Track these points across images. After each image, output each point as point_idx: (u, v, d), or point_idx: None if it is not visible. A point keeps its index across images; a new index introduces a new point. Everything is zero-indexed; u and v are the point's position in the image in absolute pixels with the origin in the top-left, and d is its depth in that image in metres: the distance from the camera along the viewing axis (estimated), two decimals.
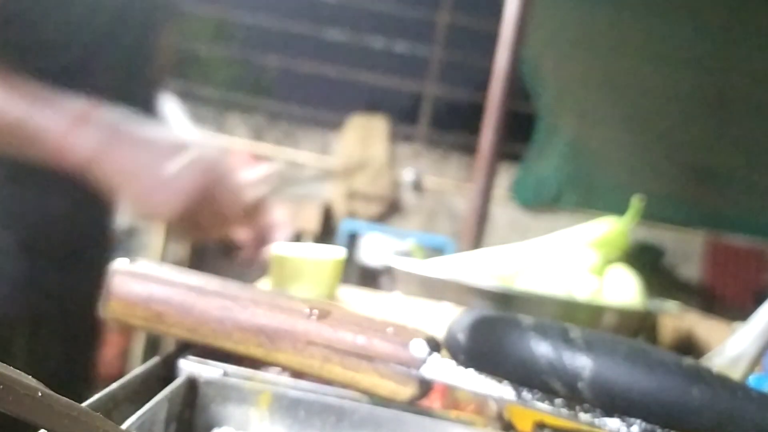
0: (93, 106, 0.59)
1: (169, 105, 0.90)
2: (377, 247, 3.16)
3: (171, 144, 0.58)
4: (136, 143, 0.58)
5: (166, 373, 0.36)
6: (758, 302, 0.47)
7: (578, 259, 0.88)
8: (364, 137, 3.96)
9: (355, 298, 0.74)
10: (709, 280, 3.90)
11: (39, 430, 0.23)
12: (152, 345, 2.80)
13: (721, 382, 0.32)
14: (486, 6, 3.72)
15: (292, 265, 0.70)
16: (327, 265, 0.70)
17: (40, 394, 0.21)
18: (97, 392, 0.31)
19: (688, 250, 3.98)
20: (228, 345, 0.36)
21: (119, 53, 0.75)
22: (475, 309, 0.43)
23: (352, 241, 3.41)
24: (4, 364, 0.21)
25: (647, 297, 0.88)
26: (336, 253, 0.73)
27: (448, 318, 0.37)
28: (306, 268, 0.69)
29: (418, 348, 0.34)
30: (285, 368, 0.37)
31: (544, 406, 0.33)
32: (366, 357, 0.34)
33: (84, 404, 0.27)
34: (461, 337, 0.34)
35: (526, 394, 0.33)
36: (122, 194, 0.58)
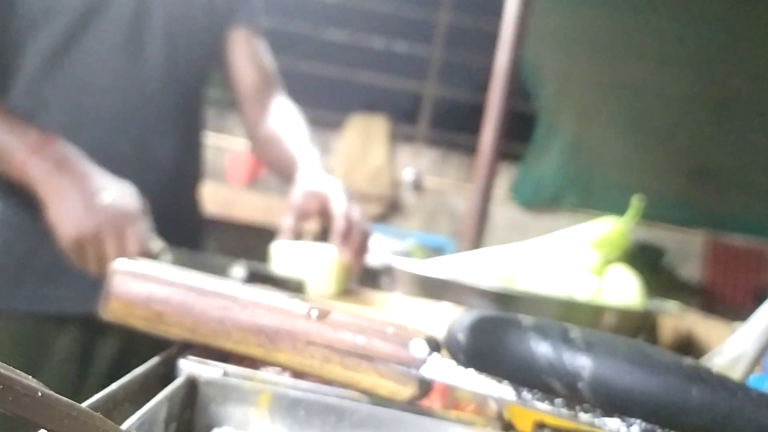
0: (48, 139, 0.72)
1: (288, 106, 1.02)
2: (377, 247, 3.16)
3: (92, 187, 0.70)
4: (70, 178, 0.70)
5: (166, 373, 0.36)
6: (758, 302, 0.47)
7: (578, 259, 0.88)
8: (364, 137, 3.96)
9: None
10: (709, 280, 3.91)
11: (39, 430, 0.23)
12: None
13: (720, 382, 0.32)
14: (486, 6, 3.73)
15: (295, 262, 0.70)
16: (332, 262, 0.71)
17: (39, 394, 0.21)
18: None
19: (688, 250, 3.99)
20: (228, 345, 0.36)
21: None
22: (475, 309, 0.43)
23: None
24: (4, 364, 0.21)
25: (647, 297, 0.88)
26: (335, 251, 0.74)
27: (448, 318, 0.37)
28: (309, 265, 0.70)
29: (418, 348, 0.34)
30: (285, 368, 0.37)
31: (544, 406, 0.33)
32: (366, 357, 0.34)
33: (84, 404, 0.27)
34: (461, 337, 0.34)
35: (526, 394, 0.33)
36: (47, 215, 0.70)
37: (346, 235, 0.75)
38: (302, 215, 0.78)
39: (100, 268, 0.69)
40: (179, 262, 0.69)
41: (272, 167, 1.00)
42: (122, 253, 0.68)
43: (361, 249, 0.77)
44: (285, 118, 1.00)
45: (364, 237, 0.78)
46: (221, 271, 0.69)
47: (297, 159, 0.90)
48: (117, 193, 0.71)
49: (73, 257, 0.70)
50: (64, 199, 0.69)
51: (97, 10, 0.83)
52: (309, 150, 0.92)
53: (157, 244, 0.71)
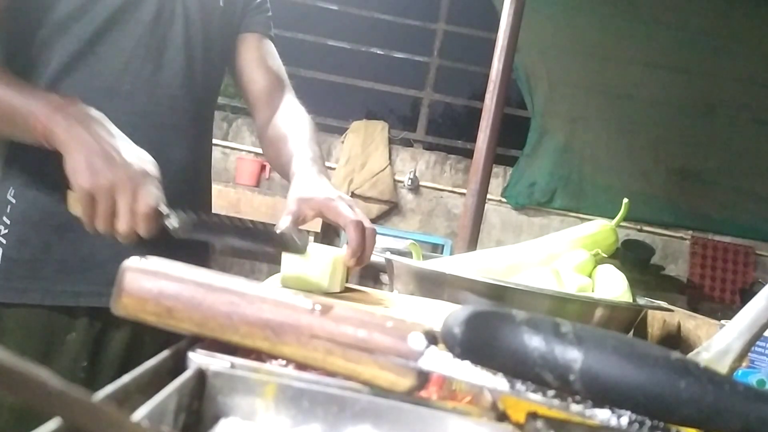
0: (71, 100, 0.73)
1: (295, 106, 1.03)
2: (377, 247, 3.16)
3: (113, 143, 0.71)
4: (92, 133, 0.70)
5: (175, 365, 0.37)
6: (744, 299, 0.49)
7: (569, 259, 0.89)
8: (365, 142, 3.98)
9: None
10: (696, 279, 3.93)
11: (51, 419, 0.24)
12: None
13: (708, 375, 0.33)
14: (480, 17, 3.75)
15: (300, 262, 0.72)
16: (333, 260, 0.72)
17: (55, 385, 0.22)
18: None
19: (675, 250, 4.01)
20: (235, 339, 0.37)
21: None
22: (471, 304, 0.44)
23: None
24: (21, 358, 0.21)
25: (636, 295, 0.89)
26: (339, 251, 0.75)
27: (444, 313, 0.38)
28: (313, 264, 0.71)
29: (416, 341, 0.35)
30: (289, 361, 0.37)
31: (537, 397, 0.34)
32: (366, 350, 0.35)
33: (96, 395, 0.28)
34: (457, 331, 0.35)
35: (520, 386, 0.34)
36: (65, 165, 0.69)
37: (361, 240, 0.76)
38: (297, 220, 0.79)
39: (106, 225, 0.69)
40: (186, 225, 0.69)
41: (275, 167, 1.01)
42: (132, 210, 0.68)
43: (371, 248, 0.79)
44: (290, 119, 1.01)
45: (373, 238, 0.80)
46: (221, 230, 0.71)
47: (295, 161, 0.90)
48: (135, 154, 0.72)
49: (84, 210, 0.69)
50: (83, 150, 0.68)
51: (121, 14, 0.84)
52: (309, 151, 0.92)
53: (164, 208, 0.70)
